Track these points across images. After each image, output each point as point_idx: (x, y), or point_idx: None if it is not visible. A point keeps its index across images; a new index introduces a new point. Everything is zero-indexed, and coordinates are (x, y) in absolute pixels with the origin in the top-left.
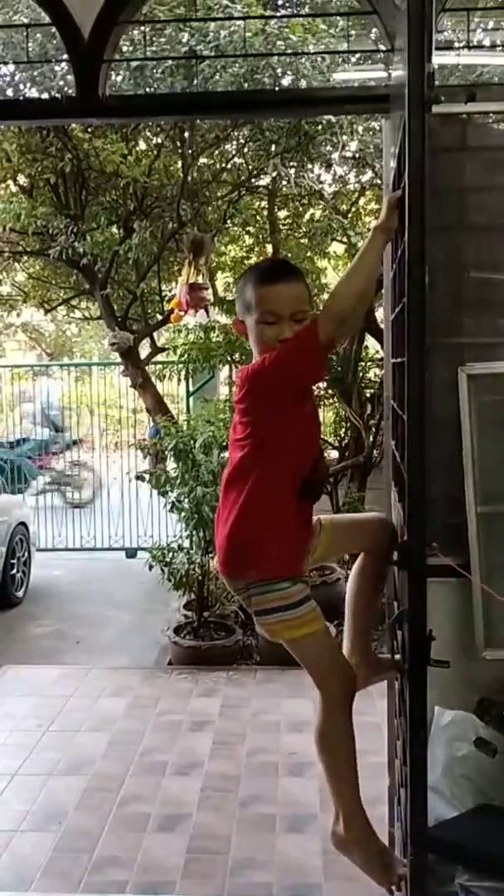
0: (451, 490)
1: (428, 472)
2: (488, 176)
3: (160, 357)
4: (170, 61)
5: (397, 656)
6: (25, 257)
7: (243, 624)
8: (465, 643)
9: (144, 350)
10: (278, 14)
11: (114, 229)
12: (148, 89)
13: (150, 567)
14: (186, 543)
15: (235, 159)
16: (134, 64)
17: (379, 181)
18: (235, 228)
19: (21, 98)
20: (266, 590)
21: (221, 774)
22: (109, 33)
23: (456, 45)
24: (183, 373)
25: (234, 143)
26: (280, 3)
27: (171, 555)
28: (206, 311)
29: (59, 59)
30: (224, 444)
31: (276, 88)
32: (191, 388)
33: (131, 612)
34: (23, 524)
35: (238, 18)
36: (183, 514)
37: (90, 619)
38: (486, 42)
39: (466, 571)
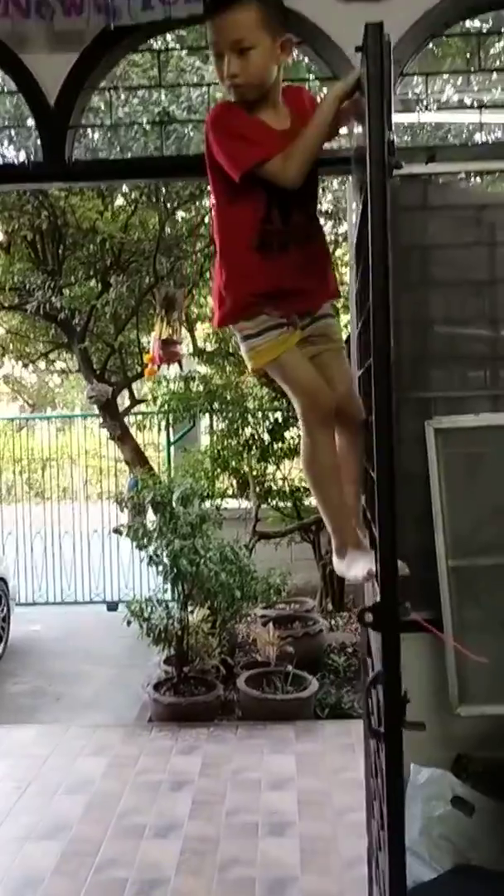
0: (423, 543)
1: (398, 532)
2: (451, 233)
3: (141, 407)
4: (143, 122)
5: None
6: (3, 312)
7: (224, 679)
8: (441, 699)
9: (125, 401)
10: None
11: (91, 283)
12: (122, 148)
13: (129, 623)
14: (167, 597)
15: (212, 210)
16: (108, 122)
17: None
18: (213, 281)
19: None
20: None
21: (200, 836)
22: (75, 99)
23: (423, 101)
24: (163, 423)
25: (210, 198)
26: None
27: (149, 609)
28: (180, 365)
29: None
30: (204, 494)
31: None
32: (171, 438)
33: (112, 667)
34: (1, 579)
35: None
36: (161, 567)
37: (70, 675)
38: (455, 98)
39: (440, 626)
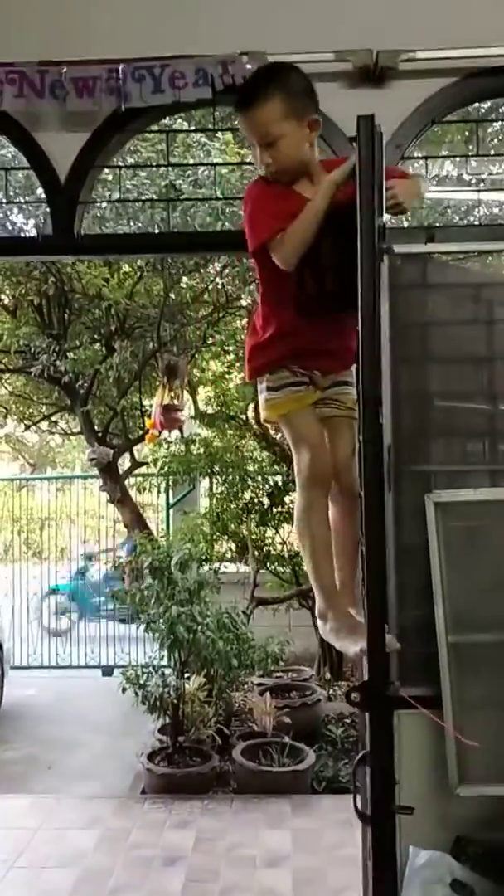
0: (423, 618)
1: (396, 606)
2: (450, 310)
3: (141, 468)
4: (151, 195)
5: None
6: (7, 374)
7: (220, 749)
8: (440, 777)
9: (125, 463)
10: (249, 161)
11: (96, 347)
12: (130, 219)
13: (124, 690)
14: (163, 663)
15: (217, 279)
16: (115, 196)
17: None
18: (215, 347)
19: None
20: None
21: None
22: (86, 177)
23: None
24: (163, 485)
25: (214, 266)
26: None
27: (145, 676)
28: (181, 431)
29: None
30: (202, 558)
31: None
32: (171, 500)
33: (106, 735)
34: None
35: (212, 164)
36: (157, 634)
37: (63, 743)
38: (455, 173)
39: (439, 703)
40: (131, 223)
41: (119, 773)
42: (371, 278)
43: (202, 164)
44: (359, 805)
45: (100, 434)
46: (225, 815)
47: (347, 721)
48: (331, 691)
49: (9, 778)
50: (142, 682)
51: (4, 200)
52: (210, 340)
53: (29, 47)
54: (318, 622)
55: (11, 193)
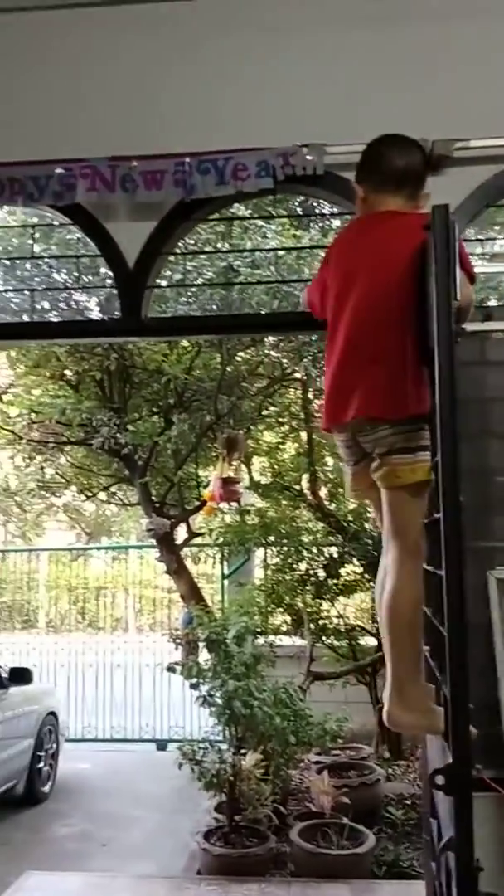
0: (486, 697)
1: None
2: None
3: (196, 538)
4: (210, 275)
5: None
6: (70, 446)
7: (277, 829)
8: None
9: (181, 534)
10: (303, 245)
11: (154, 420)
12: (189, 299)
13: (180, 766)
14: (218, 738)
15: (271, 353)
16: (177, 277)
17: None
18: (271, 418)
19: (72, 319)
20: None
21: None
22: (153, 264)
23: (477, 258)
24: (218, 556)
25: (269, 340)
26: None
27: (201, 752)
28: (238, 503)
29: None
30: (257, 631)
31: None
32: (226, 571)
33: (160, 812)
34: (52, 714)
35: (271, 250)
36: (214, 708)
37: (117, 819)
38: None
39: None
40: (190, 302)
41: (174, 851)
42: (449, 358)
43: (261, 250)
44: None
45: (157, 505)
46: None
47: (408, 803)
48: (390, 770)
49: (64, 855)
50: (198, 757)
51: (71, 283)
52: (265, 412)
53: (100, 142)
54: (394, 708)
55: (76, 274)
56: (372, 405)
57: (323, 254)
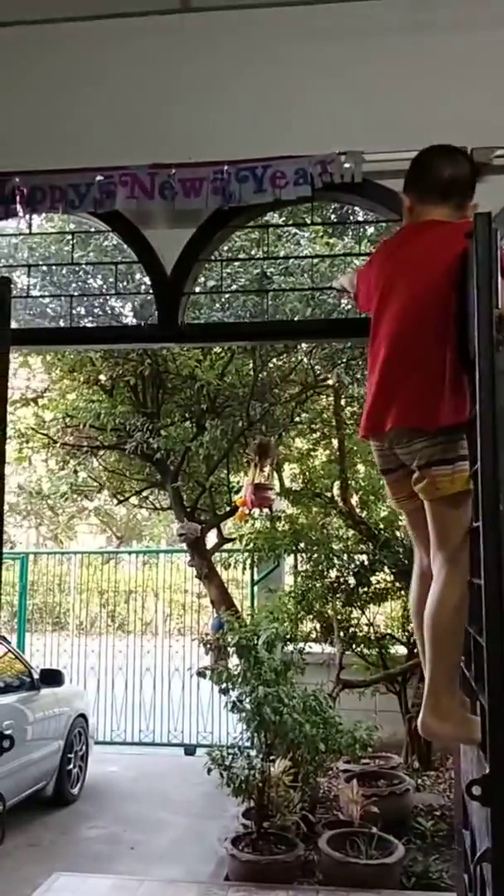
0: None
1: None
2: None
3: (227, 544)
4: (243, 282)
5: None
6: (103, 451)
7: (305, 837)
8: None
9: (212, 538)
10: (337, 253)
11: (187, 425)
12: (223, 306)
13: (209, 771)
14: (247, 744)
15: (304, 359)
16: (210, 283)
17: None
18: (302, 425)
19: (109, 325)
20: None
21: None
22: (190, 270)
23: None
24: (248, 561)
25: (302, 347)
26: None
27: (230, 757)
28: (270, 509)
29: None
30: (287, 638)
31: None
32: (255, 577)
33: (188, 816)
34: (82, 716)
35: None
36: (244, 714)
37: (146, 822)
38: None
39: None
40: (224, 308)
41: (202, 856)
42: (489, 366)
43: (295, 257)
44: None
45: (189, 509)
46: None
47: (437, 813)
48: (419, 781)
49: (93, 857)
50: (227, 763)
51: (107, 290)
52: (297, 419)
53: (140, 150)
54: (430, 719)
55: (112, 280)
56: (409, 416)
57: (357, 262)
